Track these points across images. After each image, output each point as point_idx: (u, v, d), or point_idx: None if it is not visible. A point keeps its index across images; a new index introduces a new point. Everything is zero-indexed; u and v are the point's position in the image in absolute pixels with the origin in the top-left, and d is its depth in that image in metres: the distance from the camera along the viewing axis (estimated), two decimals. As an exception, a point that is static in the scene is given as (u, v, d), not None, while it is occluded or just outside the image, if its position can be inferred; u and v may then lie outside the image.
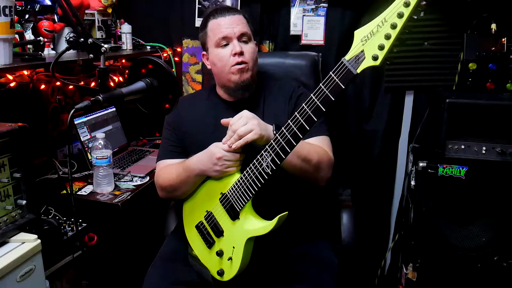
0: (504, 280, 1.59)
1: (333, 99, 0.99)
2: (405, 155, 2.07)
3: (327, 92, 0.99)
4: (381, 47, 0.91)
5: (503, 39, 1.71)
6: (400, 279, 1.83)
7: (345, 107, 2.13)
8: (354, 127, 2.14)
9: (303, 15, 2.05)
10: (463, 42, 1.76)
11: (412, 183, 1.67)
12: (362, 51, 0.94)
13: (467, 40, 1.75)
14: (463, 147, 1.58)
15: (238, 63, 1.37)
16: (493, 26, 1.74)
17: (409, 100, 2.04)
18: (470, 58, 1.73)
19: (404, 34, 0.90)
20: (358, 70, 0.95)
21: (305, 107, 1.04)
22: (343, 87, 0.97)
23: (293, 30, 2.09)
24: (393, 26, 0.89)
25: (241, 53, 1.37)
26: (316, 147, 1.33)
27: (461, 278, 1.63)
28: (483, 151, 1.56)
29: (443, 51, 1.88)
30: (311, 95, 1.03)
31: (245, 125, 1.17)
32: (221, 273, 1.25)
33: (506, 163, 1.54)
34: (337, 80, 0.97)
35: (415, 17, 0.89)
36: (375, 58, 0.92)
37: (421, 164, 1.60)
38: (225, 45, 1.39)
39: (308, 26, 2.06)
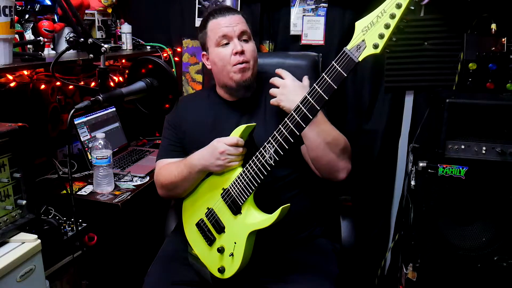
0: (504, 280, 1.59)
1: (336, 87, 1.02)
2: (405, 155, 2.07)
3: (329, 81, 1.02)
4: (381, 36, 0.96)
5: (503, 39, 1.70)
6: (400, 279, 1.83)
7: (345, 107, 2.13)
8: (354, 127, 2.14)
9: (303, 15, 2.05)
10: (463, 42, 1.76)
11: (412, 183, 1.67)
12: (363, 40, 0.98)
13: (467, 40, 1.75)
14: (463, 147, 1.57)
15: (239, 63, 1.37)
16: (493, 26, 1.74)
17: (409, 100, 2.04)
18: (470, 58, 1.73)
19: (402, 23, 0.96)
20: (360, 58, 0.99)
21: (308, 96, 1.06)
22: (345, 75, 1.00)
23: (293, 30, 2.09)
24: (392, 16, 0.94)
25: (242, 52, 1.37)
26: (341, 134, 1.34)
27: (461, 278, 1.63)
28: (483, 151, 1.56)
29: (443, 51, 1.88)
30: (314, 84, 1.06)
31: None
32: (222, 270, 1.25)
33: (506, 163, 1.54)
34: (339, 69, 1.01)
35: (413, 8, 0.94)
36: (375, 46, 0.97)
37: (421, 164, 1.60)
38: (226, 44, 1.39)
39: (308, 26, 2.06)
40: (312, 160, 1.33)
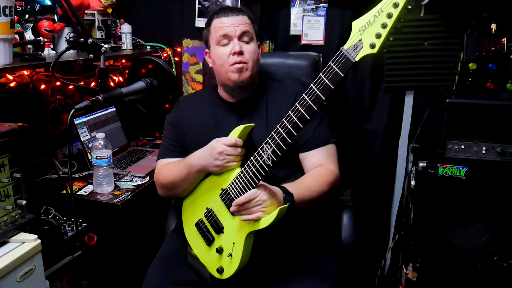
0: (504, 280, 1.59)
1: (332, 87, 1.02)
2: (405, 155, 2.07)
3: (326, 81, 1.03)
4: (378, 36, 0.96)
5: (503, 39, 1.70)
6: (400, 279, 1.83)
7: (345, 107, 2.13)
8: (354, 127, 2.14)
9: (303, 15, 2.05)
10: (463, 42, 1.76)
11: (412, 183, 1.67)
12: (360, 40, 0.99)
13: (467, 40, 1.75)
14: (463, 147, 1.57)
15: (236, 63, 1.38)
16: (493, 26, 1.74)
17: (409, 100, 2.04)
18: (470, 58, 1.73)
19: (400, 22, 0.95)
20: (357, 58, 0.99)
21: (305, 97, 1.07)
22: (342, 75, 1.01)
23: (293, 30, 2.09)
24: (389, 16, 0.94)
25: (240, 53, 1.38)
26: (315, 178, 1.35)
27: (461, 278, 1.63)
28: (483, 151, 1.56)
29: (443, 51, 1.88)
30: (311, 85, 1.06)
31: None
32: (220, 270, 1.25)
33: (506, 163, 1.54)
34: (336, 69, 1.01)
35: (410, 7, 0.94)
36: (372, 46, 0.97)
37: (421, 164, 1.60)
38: (226, 44, 1.40)
39: (308, 26, 2.06)
40: None
